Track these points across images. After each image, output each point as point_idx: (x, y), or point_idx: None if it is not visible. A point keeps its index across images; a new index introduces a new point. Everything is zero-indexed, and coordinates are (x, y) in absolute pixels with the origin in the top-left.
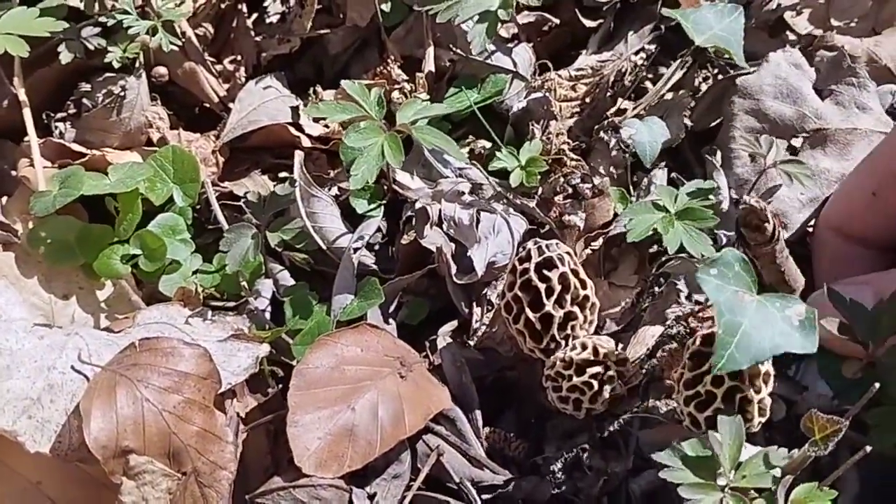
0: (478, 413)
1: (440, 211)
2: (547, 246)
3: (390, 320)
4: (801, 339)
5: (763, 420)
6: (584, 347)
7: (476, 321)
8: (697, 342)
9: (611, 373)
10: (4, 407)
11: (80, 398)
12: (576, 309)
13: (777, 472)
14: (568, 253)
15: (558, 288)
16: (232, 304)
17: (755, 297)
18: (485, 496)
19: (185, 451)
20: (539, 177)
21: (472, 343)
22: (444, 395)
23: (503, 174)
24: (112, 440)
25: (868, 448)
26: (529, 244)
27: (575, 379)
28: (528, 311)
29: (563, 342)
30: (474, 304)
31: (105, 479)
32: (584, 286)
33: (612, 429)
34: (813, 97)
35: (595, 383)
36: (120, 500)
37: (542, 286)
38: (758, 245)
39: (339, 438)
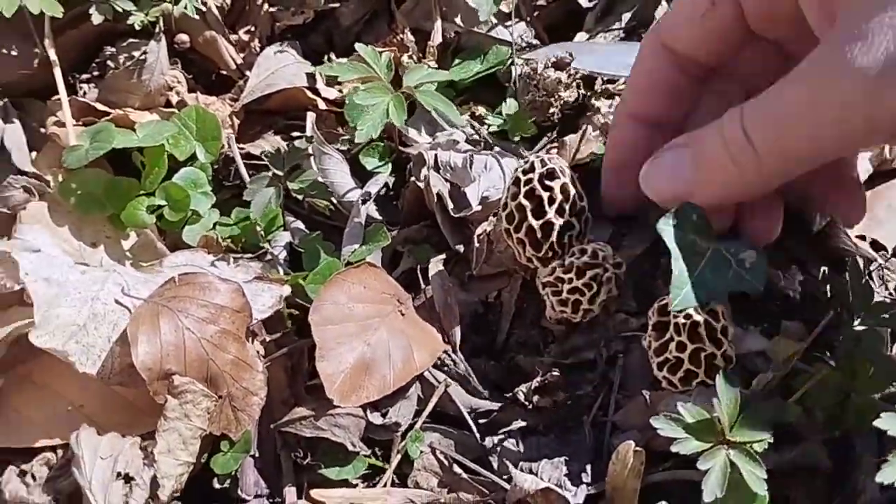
0: (457, 330)
1: (435, 156)
2: (549, 158)
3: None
4: (751, 281)
5: (732, 366)
6: (583, 252)
7: (473, 253)
8: (657, 313)
9: (608, 274)
10: (55, 331)
11: (120, 327)
12: (573, 220)
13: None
14: (567, 167)
15: (559, 197)
16: (249, 255)
17: (710, 244)
18: (482, 420)
19: (221, 377)
20: (534, 126)
21: (473, 272)
22: (439, 336)
23: (504, 136)
24: (157, 363)
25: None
26: (531, 157)
27: (576, 281)
28: (531, 218)
29: (559, 251)
30: (474, 239)
31: (142, 405)
32: (581, 198)
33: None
34: None
35: (594, 285)
36: (164, 415)
37: (545, 195)
38: None
39: (358, 372)
